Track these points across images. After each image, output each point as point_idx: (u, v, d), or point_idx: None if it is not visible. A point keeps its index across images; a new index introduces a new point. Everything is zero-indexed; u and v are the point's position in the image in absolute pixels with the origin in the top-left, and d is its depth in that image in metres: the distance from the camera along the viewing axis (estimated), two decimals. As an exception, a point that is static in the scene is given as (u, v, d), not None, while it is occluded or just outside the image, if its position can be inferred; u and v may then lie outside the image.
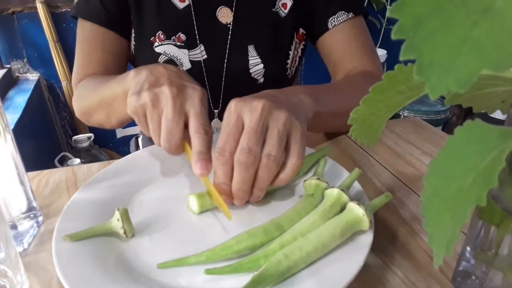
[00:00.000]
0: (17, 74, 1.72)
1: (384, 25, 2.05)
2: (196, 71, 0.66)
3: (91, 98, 0.58)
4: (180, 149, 0.42)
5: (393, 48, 2.08)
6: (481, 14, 0.14)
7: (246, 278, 0.30)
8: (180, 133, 0.41)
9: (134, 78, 0.45)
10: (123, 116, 0.54)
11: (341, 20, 0.65)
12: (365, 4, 2.04)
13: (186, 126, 0.42)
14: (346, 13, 0.65)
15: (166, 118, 0.40)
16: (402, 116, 1.88)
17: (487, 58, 0.14)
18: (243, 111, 0.38)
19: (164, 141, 0.41)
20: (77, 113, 0.64)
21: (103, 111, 0.56)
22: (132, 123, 0.52)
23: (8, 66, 1.68)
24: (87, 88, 0.62)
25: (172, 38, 0.65)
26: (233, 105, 0.39)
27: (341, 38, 0.66)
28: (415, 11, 0.15)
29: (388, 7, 1.99)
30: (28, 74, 1.74)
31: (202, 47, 0.66)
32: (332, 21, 0.66)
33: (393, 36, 0.15)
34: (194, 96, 0.42)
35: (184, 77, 0.44)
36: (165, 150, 0.42)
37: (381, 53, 2.05)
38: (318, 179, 0.40)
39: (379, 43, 2.07)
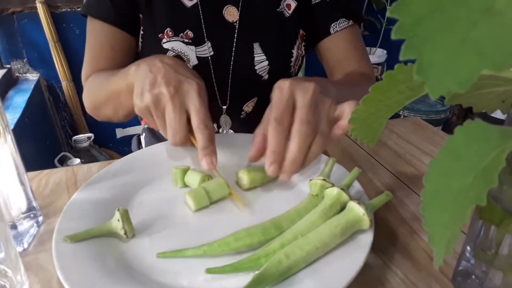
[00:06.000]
0: (17, 74, 1.72)
1: (384, 25, 2.05)
2: (203, 68, 0.68)
3: (99, 93, 0.60)
4: (187, 141, 0.44)
5: (393, 48, 2.08)
6: (481, 14, 0.14)
7: (247, 277, 0.31)
8: (184, 129, 0.43)
9: (135, 73, 0.48)
10: (130, 109, 0.56)
11: (342, 27, 0.70)
12: (365, 5, 2.05)
13: (189, 119, 0.44)
14: (346, 20, 0.70)
15: (169, 117, 0.43)
16: (402, 116, 1.88)
17: (487, 58, 0.14)
18: (296, 90, 0.41)
19: (170, 137, 0.44)
20: (88, 109, 0.67)
21: (111, 105, 0.59)
22: (132, 123, 0.52)
23: (8, 66, 1.68)
24: (94, 84, 0.64)
25: (180, 35, 0.66)
26: (287, 84, 0.41)
27: (342, 43, 0.71)
28: (415, 11, 0.15)
29: (388, 7, 1.99)
30: (28, 74, 1.74)
31: (209, 44, 0.67)
32: (334, 26, 0.70)
33: (393, 36, 0.15)
34: (191, 90, 0.43)
35: (180, 70, 0.46)
36: (172, 145, 0.44)
37: (381, 53, 2.05)
38: (324, 179, 0.40)
39: (379, 43, 2.07)
